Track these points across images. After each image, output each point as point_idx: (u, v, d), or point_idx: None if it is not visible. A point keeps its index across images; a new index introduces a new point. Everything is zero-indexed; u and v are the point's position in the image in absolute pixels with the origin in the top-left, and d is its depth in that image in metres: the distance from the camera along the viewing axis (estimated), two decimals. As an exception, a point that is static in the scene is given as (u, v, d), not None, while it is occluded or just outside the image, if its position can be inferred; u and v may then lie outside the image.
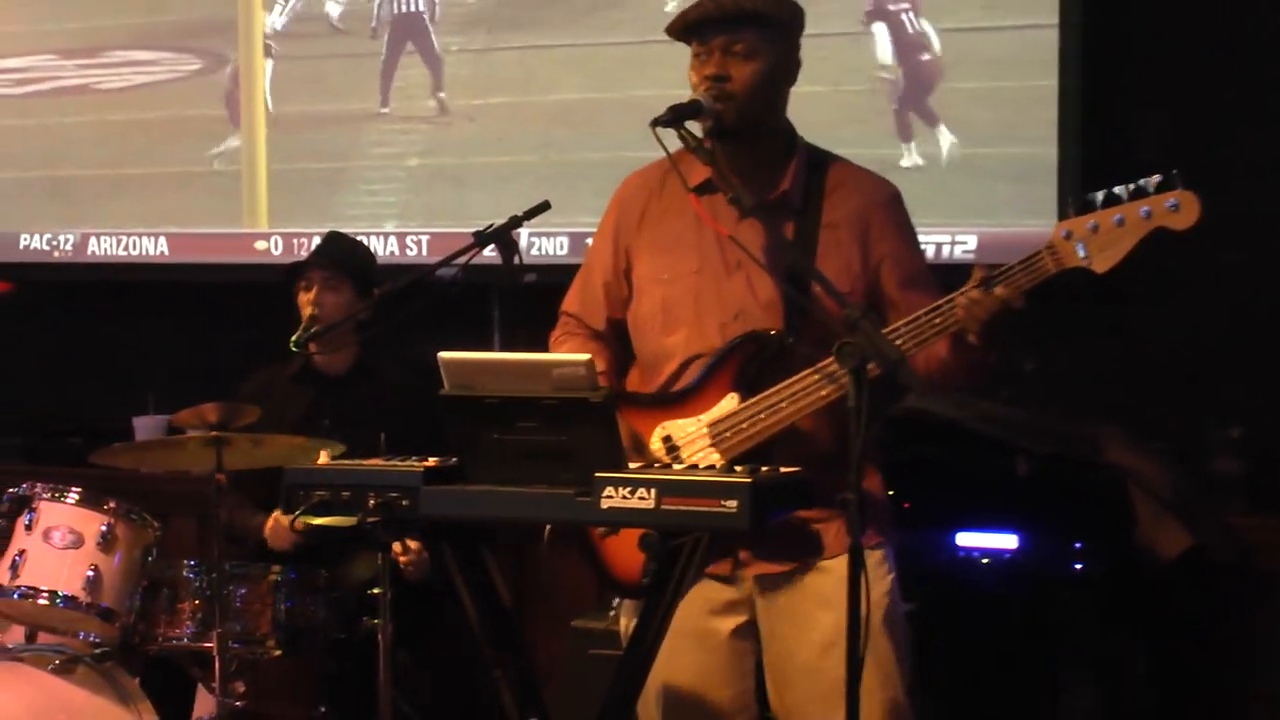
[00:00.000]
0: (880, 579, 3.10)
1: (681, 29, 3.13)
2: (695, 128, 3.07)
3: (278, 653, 4.00)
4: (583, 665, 4.13)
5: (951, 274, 2.96)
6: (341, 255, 4.49)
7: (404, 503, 2.84)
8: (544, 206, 3.58)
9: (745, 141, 3.12)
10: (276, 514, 4.20)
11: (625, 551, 3.00)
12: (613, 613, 3.69)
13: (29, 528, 3.90)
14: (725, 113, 3.06)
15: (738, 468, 2.76)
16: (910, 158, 4.97)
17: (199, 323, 5.97)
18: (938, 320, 2.94)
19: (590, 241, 3.41)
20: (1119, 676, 4.29)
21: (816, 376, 2.98)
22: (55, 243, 6.06)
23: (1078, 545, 4.30)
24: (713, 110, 3.06)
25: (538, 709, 2.99)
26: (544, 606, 3.90)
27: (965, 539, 4.35)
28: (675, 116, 3.03)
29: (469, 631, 3.00)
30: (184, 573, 3.98)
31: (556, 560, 3.15)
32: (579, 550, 3.12)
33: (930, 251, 4.81)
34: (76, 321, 6.24)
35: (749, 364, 3.07)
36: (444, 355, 2.82)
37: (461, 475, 2.86)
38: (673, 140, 3.05)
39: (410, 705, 4.11)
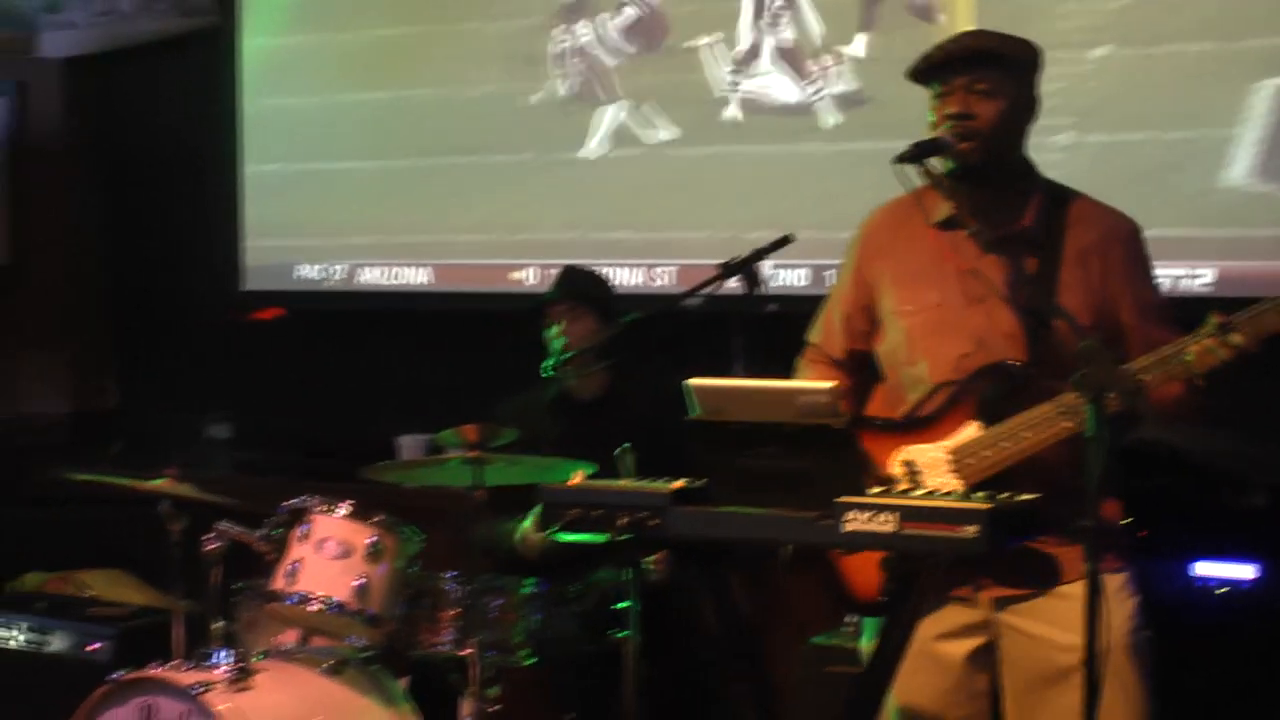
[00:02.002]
0: (1122, 604, 3.10)
1: (925, 71, 3.20)
2: (937, 164, 3.14)
3: (529, 662, 4.14)
4: (820, 682, 4.20)
5: (1188, 307, 2.96)
6: (580, 288, 4.69)
7: (653, 522, 2.94)
8: (789, 239, 3.68)
9: (988, 178, 3.17)
10: (526, 526, 4.39)
11: (863, 570, 3.08)
12: (849, 628, 3.73)
13: (303, 538, 4.05)
14: (971, 151, 3.12)
15: (976, 494, 2.81)
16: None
17: (456, 349, 6.22)
18: (1170, 364, 2.95)
19: (832, 273, 3.50)
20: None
21: (1057, 408, 3.01)
22: (328, 272, 6.40)
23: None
24: (957, 148, 3.12)
25: (777, 723, 3.09)
26: (783, 623, 3.96)
27: (1202, 568, 4.32)
28: (918, 152, 3.11)
29: (711, 647, 3.09)
30: (444, 584, 4.11)
31: (795, 579, 3.21)
32: (817, 568, 3.18)
33: (1166, 285, 4.77)
34: (344, 347, 6.55)
35: (991, 394, 3.11)
36: (694, 382, 2.93)
37: (707, 497, 2.95)
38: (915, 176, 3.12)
39: (654, 717, 4.23)
